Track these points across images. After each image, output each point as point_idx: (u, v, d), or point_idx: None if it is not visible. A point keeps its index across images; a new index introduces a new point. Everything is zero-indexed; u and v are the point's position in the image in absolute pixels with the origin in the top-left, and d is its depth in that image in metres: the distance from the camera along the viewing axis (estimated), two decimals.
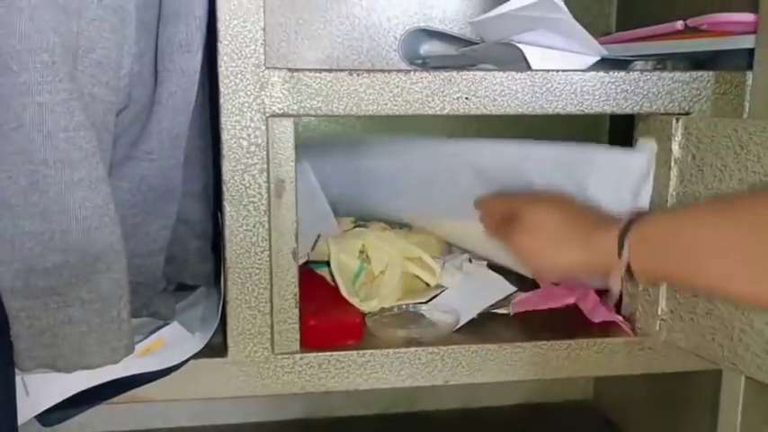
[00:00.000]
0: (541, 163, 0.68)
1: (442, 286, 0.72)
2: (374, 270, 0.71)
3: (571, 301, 0.69)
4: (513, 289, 0.70)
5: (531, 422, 1.02)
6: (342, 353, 0.63)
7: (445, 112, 0.61)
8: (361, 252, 0.72)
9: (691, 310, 0.62)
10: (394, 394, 0.98)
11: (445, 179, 0.73)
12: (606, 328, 0.68)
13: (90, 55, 0.49)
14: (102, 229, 0.48)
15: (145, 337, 0.56)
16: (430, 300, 0.71)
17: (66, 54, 0.48)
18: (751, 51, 0.61)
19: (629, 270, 0.54)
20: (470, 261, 0.75)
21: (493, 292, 0.70)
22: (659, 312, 0.65)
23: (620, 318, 0.68)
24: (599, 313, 0.69)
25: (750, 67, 0.62)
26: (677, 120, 0.62)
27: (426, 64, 0.91)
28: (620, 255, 0.54)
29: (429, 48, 0.93)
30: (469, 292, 0.70)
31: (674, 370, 0.67)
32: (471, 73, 0.61)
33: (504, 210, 0.64)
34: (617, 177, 0.65)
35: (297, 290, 0.62)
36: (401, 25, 0.97)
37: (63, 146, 0.47)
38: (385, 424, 0.98)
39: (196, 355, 0.61)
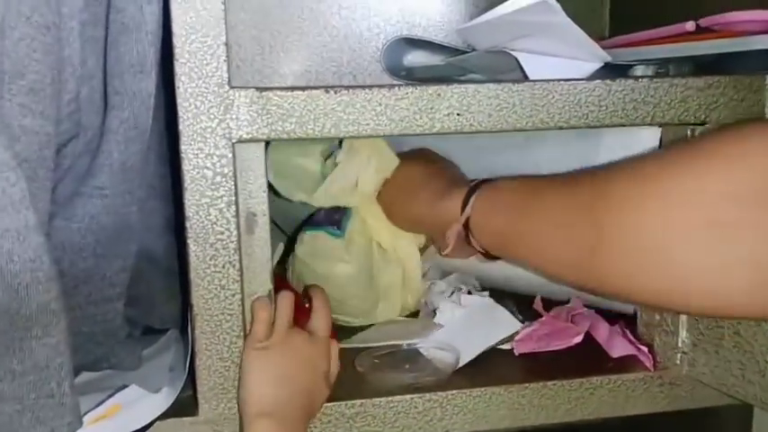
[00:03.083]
0: (549, 148, 0.65)
1: (437, 324, 0.65)
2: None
3: (579, 339, 0.62)
4: (520, 325, 0.63)
5: None
6: (328, 404, 0.56)
7: (435, 130, 0.54)
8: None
9: (715, 341, 0.56)
10: None
11: None
12: (622, 364, 0.61)
13: (19, 81, 0.42)
14: (34, 286, 0.41)
15: (98, 405, 0.49)
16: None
17: None
18: None
19: (468, 228, 0.57)
20: (469, 293, 0.68)
21: (498, 328, 0.63)
22: (679, 344, 0.59)
23: (645, 348, 0.61)
24: (618, 345, 0.62)
25: None
26: (692, 130, 0.56)
27: (411, 75, 0.85)
28: (462, 212, 0.57)
29: (413, 58, 0.87)
30: (471, 327, 0.63)
31: (699, 406, 0.60)
32: (463, 86, 0.54)
33: None
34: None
35: None
36: (383, 35, 0.91)
37: None
38: None
39: (163, 415, 0.53)
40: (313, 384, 0.54)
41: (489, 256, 0.59)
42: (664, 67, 0.69)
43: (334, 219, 0.68)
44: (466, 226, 0.58)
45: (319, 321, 0.57)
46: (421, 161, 0.66)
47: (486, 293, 0.68)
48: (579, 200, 0.49)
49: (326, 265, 0.67)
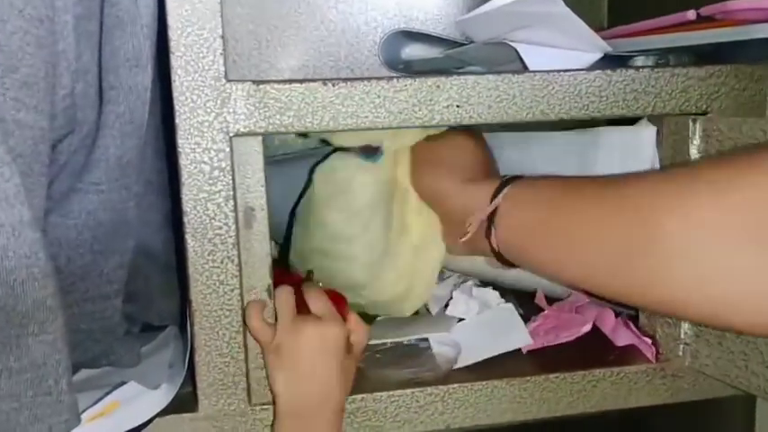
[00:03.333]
0: (548, 147, 0.65)
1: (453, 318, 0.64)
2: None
3: (588, 328, 0.62)
4: (531, 341, 0.61)
5: None
6: None
7: (434, 122, 0.54)
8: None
9: (718, 332, 0.55)
10: None
11: None
12: (625, 356, 0.61)
13: (12, 75, 0.41)
14: (29, 283, 0.40)
15: (96, 402, 0.48)
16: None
17: None
18: None
19: (492, 222, 0.53)
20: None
21: (510, 340, 0.61)
22: (682, 335, 0.58)
23: (648, 340, 0.60)
24: (622, 335, 0.61)
25: None
26: (694, 121, 0.56)
27: (409, 69, 0.84)
28: (491, 201, 0.54)
29: (411, 51, 0.86)
30: (485, 331, 0.62)
31: (702, 398, 0.60)
32: (462, 78, 0.53)
33: None
34: (624, 155, 0.61)
35: None
36: (380, 28, 0.91)
37: None
38: None
39: (162, 412, 0.53)
40: (334, 370, 0.52)
41: (501, 259, 0.55)
42: (664, 58, 0.69)
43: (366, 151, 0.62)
44: (490, 218, 0.54)
45: (316, 302, 0.55)
46: (470, 137, 0.62)
47: (489, 288, 0.67)
48: (626, 199, 0.45)
49: (349, 175, 0.61)
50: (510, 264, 0.55)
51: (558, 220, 0.49)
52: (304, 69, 0.91)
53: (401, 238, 0.63)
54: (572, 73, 0.55)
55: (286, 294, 0.55)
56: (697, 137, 0.55)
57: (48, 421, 0.42)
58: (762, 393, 0.53)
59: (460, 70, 0.75)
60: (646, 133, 0.60)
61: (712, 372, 0.57)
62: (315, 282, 0.60)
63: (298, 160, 0.69)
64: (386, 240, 0.62)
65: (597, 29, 0.75)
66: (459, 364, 0.59)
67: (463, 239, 0.56)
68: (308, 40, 0.90)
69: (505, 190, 0.54)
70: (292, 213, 0.66)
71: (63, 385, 0.43)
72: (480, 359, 0.60)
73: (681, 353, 0.59)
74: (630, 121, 0.61)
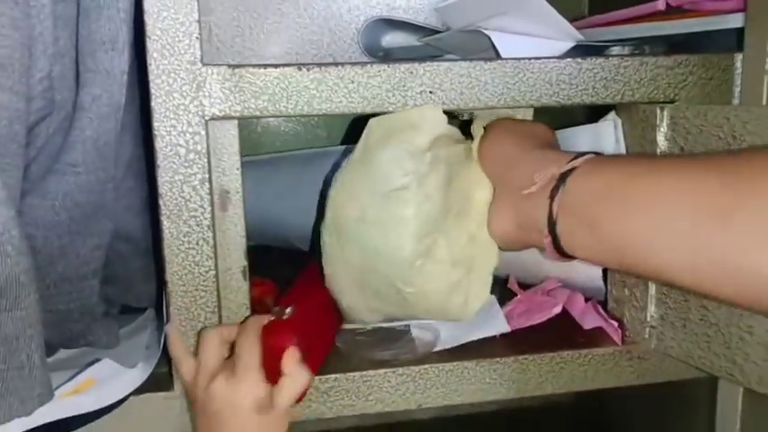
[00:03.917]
0: None
1: None
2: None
3: (558, 310, 0.63)
4: (509, 329, 0.61)
5: (513, 428, 0.98)
6: None
7: (408, 107, 0.55)
8: None
9: (683, 315, 0.57)
10: None
11: None
12: (593, 338, 0.62)
13: None
14: (2, 259, 0.41)
15: (72, 377, 0.49)
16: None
17: None
18: (739, 31, 0.56)
19: (561, 186, 0.46)
20: None
21: (488, 327, 0.61)
22: (648, 319, 0.60)
23: (615, 323, 0.62)
24: (589, 319, 0.63)
25: (738, 48, 0.57)
26: (662, 109, 0.57)
27: (389, 56, 0.85)
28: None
29: (391, 39, 0.87)
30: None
31: (667, 379, 0.62)
32: (435, 64, 0.54)
33: None
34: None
35: (249, 312, 0.55)
36: (362, 16, 0.91)
37: None
38: None
39: (138, 390, 0.54)
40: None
41: (552, 231, 0.48)
42: (639, 47, 0.70)
43: None
44: (562, 178, 0.47)
45: (242, 354, 0.49)
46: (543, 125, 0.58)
47: None
48: (718, 163, 0.41)
49: (416, 112, 0.54)
50: (554, 236, 0.48)
51: (637, 183, 0.43)
52: (287, 57, 0.92)
53: (460, 219, 0.54)
54: (543, 60, 0.56)
55: (209, 342, 0.51)
56: (664, 124, 0.57)
57: (20, 394, 0.43)
58: (723, 374, 0.54)
59: (438, 58, 0.76)
60: (604, 129, 0.61)
61: (677, 353, 0.58)
62: (280, 313, 0.52)
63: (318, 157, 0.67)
64: (443, 211, 0.53)
65: (578, 17, 0.77)
66: (438, 348, 0.60)
67: (527, 192, 0.49)
68: (291, 27, 0.91)
69: (586, 156, 0.48)
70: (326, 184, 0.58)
71: (35, 360, 0.44)
72: (458, 344, 0.60)
73: (647, 335, 0.60)
74: (605, 109, 0.63)
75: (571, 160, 0.48)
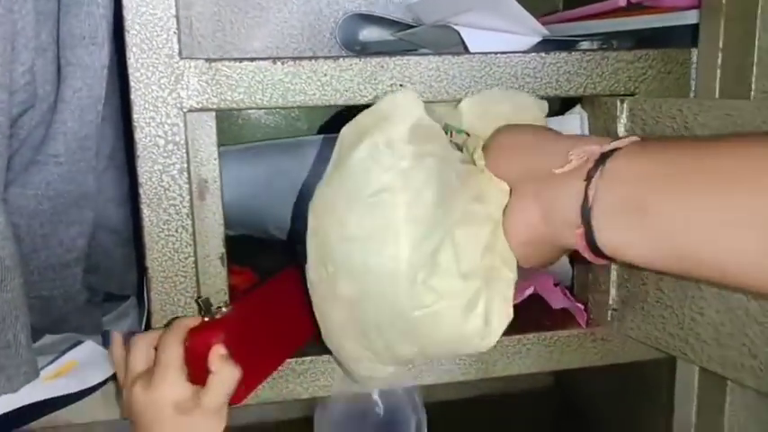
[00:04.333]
0: None
1: None
2: None
3: (531, 291, 0.66)
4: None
5: (493, 413, 1.00)
6: None
7: (378, 98, 0.57)
8: None
9: (641, 298, 0.60)
10: None
11: None
12: (559, 321, 0.65)
13: None
14: None
15: (54, 359, 0.51)
16: None
17: None
18: (696, 27, 0.59)
19: (601, 167, 0.39)
20: None
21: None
22: (610, 302, 0.63)
23: (581, 305, 0.65)
24: (557, 299, 0.66)
25: (695, 44, 0.59)
26: (622, 101, 0.59)
27: (365, 50, 0.87)
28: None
29: (368, 34, 0.89)
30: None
31: (629, 360, 0.65)
32: (405, 58, 0.57)
33: None
34: None
35: (227, 298, 0.57)
36: (341, 11, 0.93)
37: None
38: None
39: None
40: None
41: (584, 216, 0.41)
42: (607, 42, 0.73)
43: None
44: (602, 159, 0.41)
45: (209, 393, 0.47)
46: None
47: None
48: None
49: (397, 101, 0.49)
50: (588, 228, 0.41)
51: (683, 163, 0.38)
52: (267, 51, 0.93)
53: (467, 224, 0.46)
54: (509, 55, 0.58)
55: (135, 347, 0.50)
56: (624, 116, 0.59)
57: (6, 372, 0.45)
58: (678, 353, 0.57)
59: (412, 52, 0.78)
60: (570, 121, 0.64)
61: (637, 335, 0.61)
62: (215, 312, 0.51)
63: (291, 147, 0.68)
64: (440, 212, 0.45)
65: (552, 11, 0.79)
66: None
67: (560, 171, 0.43)
68: (272, 21, 0.93)
69: (630, 137, 0.43)
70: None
71: (21, 339, 0.46)
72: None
73: (610, 318, 0.63)
74: (574, 102, 0.65)
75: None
